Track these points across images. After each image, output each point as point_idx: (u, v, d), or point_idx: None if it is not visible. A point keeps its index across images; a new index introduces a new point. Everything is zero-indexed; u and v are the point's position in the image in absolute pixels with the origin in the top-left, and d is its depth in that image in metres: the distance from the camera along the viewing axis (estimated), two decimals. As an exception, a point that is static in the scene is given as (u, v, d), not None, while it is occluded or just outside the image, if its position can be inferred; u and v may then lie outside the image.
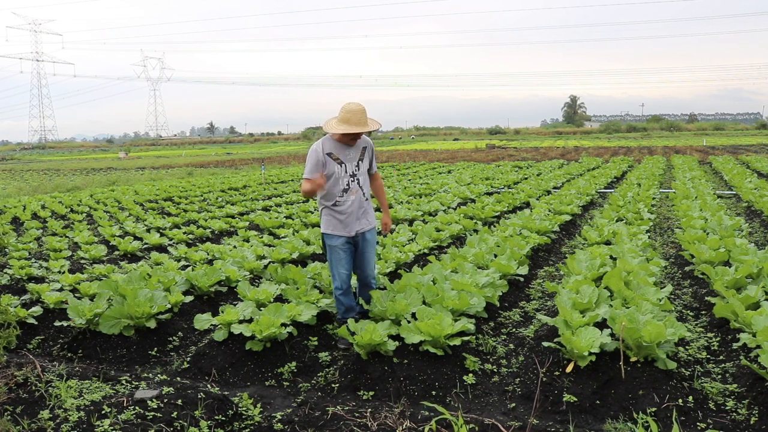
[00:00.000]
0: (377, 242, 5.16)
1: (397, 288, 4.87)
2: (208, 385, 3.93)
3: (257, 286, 5.53)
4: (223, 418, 3.38)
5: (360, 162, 4.53)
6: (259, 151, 59.07)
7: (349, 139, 4.44)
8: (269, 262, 6.75)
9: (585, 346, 3.67)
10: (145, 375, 4.17)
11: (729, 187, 15.29)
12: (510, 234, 7.80)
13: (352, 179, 4.49)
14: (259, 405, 3.64)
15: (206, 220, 10.58)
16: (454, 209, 11.39)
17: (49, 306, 5.28)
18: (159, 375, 4.16)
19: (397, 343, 3.99)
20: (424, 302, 4.67)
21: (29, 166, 44.19)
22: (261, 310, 4.55)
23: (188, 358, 4.37)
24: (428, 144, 62.80)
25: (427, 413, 3.46)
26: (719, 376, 3.92)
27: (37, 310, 5.10)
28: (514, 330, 4.99)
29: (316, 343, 4.55)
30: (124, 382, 3.90)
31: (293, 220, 10.41)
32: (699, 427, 3.28)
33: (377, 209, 9.88)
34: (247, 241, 8.59)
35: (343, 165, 4.45)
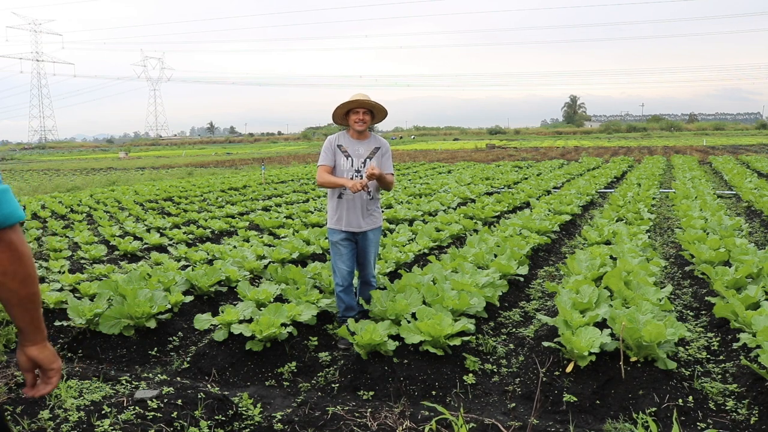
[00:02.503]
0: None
1: (397, 288, 4.87)
2: (208, 385, 3.93)
3: (257, 286, 5.53)
4: (223, 418, 3.38)
5: (368, 160, 4.57)
6: (259, 151, 59.06)
7: (357, 125, 4.51)
8: (269, 262, 6.75)
9: (585, 346, 3.67)
10: (145, 375, 4.17)
11: (729, 187, 15.29)
12: (510, 234, 7.80)
13: (356, 174, 4.53)
14: (259, 405, 3.64)
15: (206, 220, 10.58)
16: (454, 209, 11.39)
17: (49, 306, 5.28)
18: (159, 375, 4.16)
19: (397, 343, 3.99)
20: (424, 302, 4.67)
21: (29, 166, 44.19)
22: (261, 310, 4.55)
23: (188, 358, 4.37)
24: (428, 144, 62.81)
25: (427, 413, 3.46)
26: (719, 376, 3.92)
27: (37, 310, 5.09)
28: (514, 330, 4.99)
29: (316, 343, 4.55)
30: (124, 382, 3.90)
31: (293, 220, 10.41)
32: (699, 427, 3.28)
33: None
34: (247, 241, 8.59)
35: (349, 158, 4.55)
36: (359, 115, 4.49)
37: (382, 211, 10.56)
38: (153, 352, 4.52)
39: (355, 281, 4.95)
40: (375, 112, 4.58)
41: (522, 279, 6.27)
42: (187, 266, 6.97)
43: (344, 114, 4.59)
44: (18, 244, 1.35)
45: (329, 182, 4.49)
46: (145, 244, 8.61)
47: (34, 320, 1.46)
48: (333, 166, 4.56)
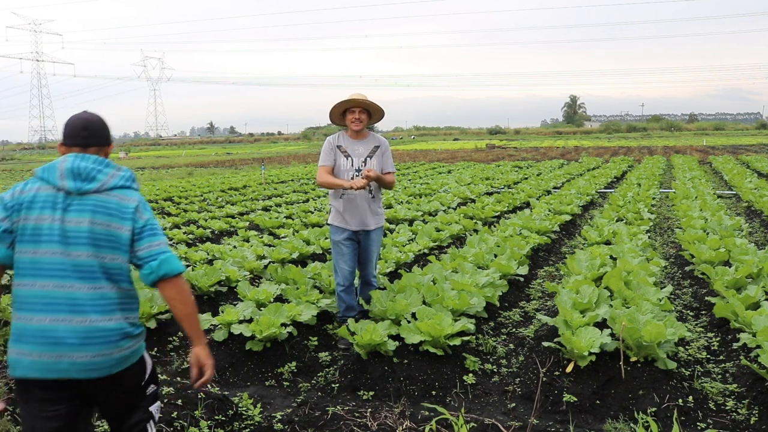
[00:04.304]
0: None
1: (397, 288, 4.87)
2: (208, 385, 3.93)
3: (257, 286, 5.53)
4: (223, 418, 3.38)
5: (368, 159, 4.57)
6: (259, 151, 59.08)
7: (353, 125, 4.50)
8: (269, 262, 6.75)
9: (585, 346, 3.67)
10: (145, 375, 4.16)
11: (729, 187, 15.29)
12: (510, 234, 7.80)
13: (356, 173, 4.53)
14: (259, 405, 3.65)
15: (206, 220, 10.57)
16: (454, 209, 11.39)
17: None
18: (159, 375, 4.16)
19: (397, 343, 3.99)
20: (424, 302, 4.67)
21: (29, 166, 44.18)
22: (261, 310, 4.55)
23: (188, 358, 4.37)
24: (428, 144, 62.84)
25: (427, 413, 3.46)
26: (719, 376, 3.92)
27: (37, 310, 5.09)
28: (514, 330, 4.99)
29: (316, 343, 4.56)
30: (124, 382, 3.90)
31: (293, 220, 10.41)
32: (699, 427, 3.28)
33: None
34: (247, 241, 8.59)
35: (349, 158, 4.54)
36: (355, 114, 4.48)
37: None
38: (153, 353, 4.52)
39: (356, 281, 4.94)
40: (372, 111, 4.57)
41: (522, 279, 6.27)
42: (187, 266, 6.97)
43: (341, 114, 4.58)
44: (181, 284, 2.13)
45: (329, 183, 4.49)
46: (145, 244, 8.60)
47: (195, 329, 2.19)
48: (333, 167, 4.56)
